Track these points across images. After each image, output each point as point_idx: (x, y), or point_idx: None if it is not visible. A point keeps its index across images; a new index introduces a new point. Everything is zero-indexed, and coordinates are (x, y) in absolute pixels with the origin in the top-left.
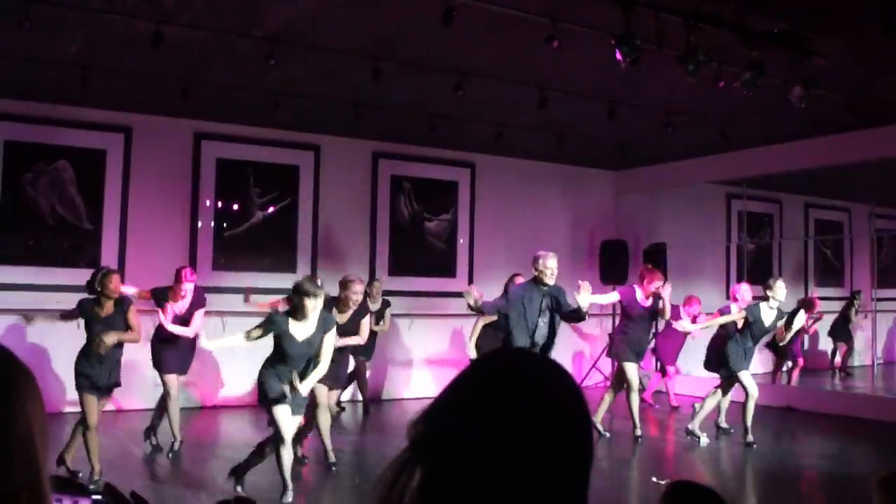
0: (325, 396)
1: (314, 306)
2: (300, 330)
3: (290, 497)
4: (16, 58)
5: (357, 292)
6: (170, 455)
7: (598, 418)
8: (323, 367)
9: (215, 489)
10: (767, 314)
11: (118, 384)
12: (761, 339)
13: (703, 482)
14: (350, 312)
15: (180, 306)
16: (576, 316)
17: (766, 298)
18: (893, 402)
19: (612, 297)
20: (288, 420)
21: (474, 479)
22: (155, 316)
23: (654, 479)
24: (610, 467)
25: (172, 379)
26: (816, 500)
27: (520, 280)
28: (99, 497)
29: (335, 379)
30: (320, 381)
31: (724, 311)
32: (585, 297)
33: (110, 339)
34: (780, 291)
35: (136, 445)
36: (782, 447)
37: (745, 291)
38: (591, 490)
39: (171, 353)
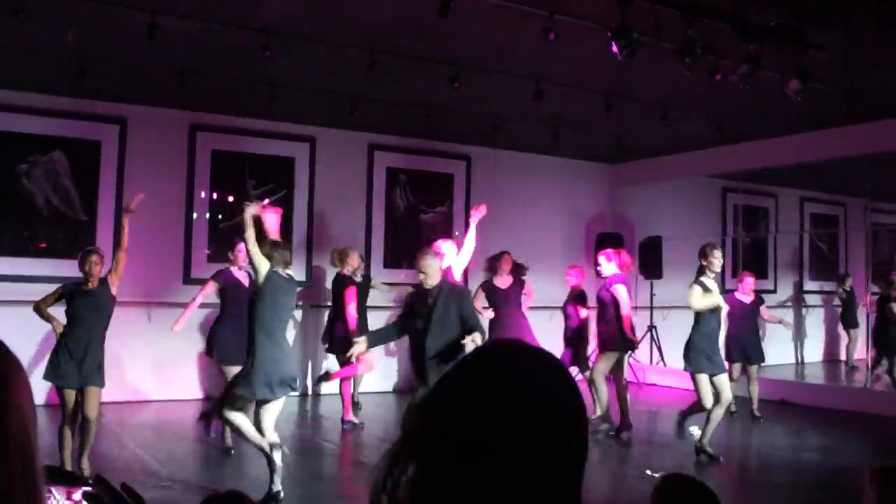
0: None
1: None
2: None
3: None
4: (11, 48)
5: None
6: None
7: (707, 438)
8: None
9: (208, 481)
10: (713, 285)
11: (95, 384)
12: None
13: (693, 475)
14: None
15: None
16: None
17: (701, 271)
18: (888, 396)
19: (622, 293)
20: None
21: (466, 472)
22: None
23: (647, 471)
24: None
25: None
26: (808, 492)
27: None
28: (90, 488)
29: None
30: None
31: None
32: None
33: None
34: (717, 262)
35: (130, 438)
36: (775, 440)
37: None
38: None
39: (240, 341)
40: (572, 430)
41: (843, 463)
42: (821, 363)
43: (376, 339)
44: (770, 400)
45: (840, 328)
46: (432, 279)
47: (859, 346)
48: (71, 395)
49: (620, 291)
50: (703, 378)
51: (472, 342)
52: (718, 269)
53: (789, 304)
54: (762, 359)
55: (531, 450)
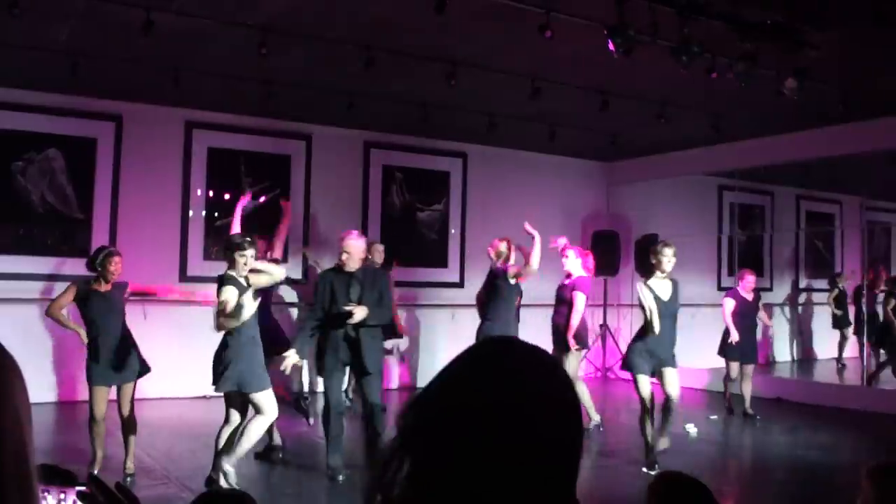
0: None
1: (245, 261)
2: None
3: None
4: (5, 45)
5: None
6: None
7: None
8: None
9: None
10: (662, 286)
11: (142, 371)
12: (670, 319)
13: (689, 473)
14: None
15: None
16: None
17: (650, 271)
18: (883, 394)
19: (579, 302)
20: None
21: (461, 470)
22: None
23: (643, 469)
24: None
25: None
26: (805, 490)
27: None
28: (83, 488)
29: None
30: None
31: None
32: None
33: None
34: (666, 261)
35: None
36: (771, 438)
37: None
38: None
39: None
40: (567, 427)
41: (839, 460)
42: (800, 360)
43: (304, 343)
44: (766, 398)
45: (829, 327)
46: (354, 262)
47: (850, 344)
48: (100, 391)
49: (578, 301)
50: (641, 378)
51: (353, 310)
52: (668, 269)
53: (787, 303)
54: (755, 360)
55: (526, 446)
